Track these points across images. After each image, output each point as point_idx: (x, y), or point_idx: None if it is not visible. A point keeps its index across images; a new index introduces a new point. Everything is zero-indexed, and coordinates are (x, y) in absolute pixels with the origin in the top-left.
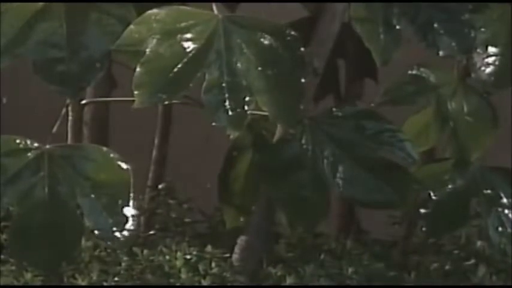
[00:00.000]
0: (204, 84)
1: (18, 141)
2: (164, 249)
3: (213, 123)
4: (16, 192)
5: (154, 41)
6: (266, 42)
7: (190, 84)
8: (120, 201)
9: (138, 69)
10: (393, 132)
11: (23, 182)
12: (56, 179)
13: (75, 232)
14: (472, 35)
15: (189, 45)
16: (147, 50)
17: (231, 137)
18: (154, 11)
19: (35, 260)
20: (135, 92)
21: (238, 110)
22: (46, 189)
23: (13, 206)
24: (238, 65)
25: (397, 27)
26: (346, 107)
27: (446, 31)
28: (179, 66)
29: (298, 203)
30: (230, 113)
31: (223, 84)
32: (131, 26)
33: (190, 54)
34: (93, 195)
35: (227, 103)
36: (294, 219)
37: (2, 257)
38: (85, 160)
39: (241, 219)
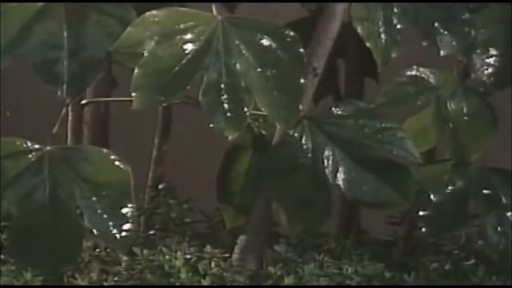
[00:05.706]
0: (202, 86)
1: (18, 143)
2: (164, 249)
3: (211, 125)
4: (17, 195)
5: (153, 42)
6: (265, 43)
7: (188, 87)
8: (120, 203)
9: (136, 71)
10: (393, 130)
11: (23, 184)
12: (56, 181)
13: (76, 234)
14: (473, 34)
15: (188, 47)
16: (145, 52)
17: (230, 138)
18: (153, 12)
19: (35, 263)
20: (133, 94)
21: (237, 111)
22: (47, 192)
23: (14, 208)
24: (237, 66)
25: (398, 26)
26: (345, 106)
27: (447, 30)
28: (177, 68)
29: (299, 204)
30: (228, 114)
31: (222, 86)
32: (129, 28)
33: (189, 56)
34: (93, 197)
35: (225, 105)
36: (296, 220)
37: (2, 257)
38: (85, 162)
39: (241, 219)
